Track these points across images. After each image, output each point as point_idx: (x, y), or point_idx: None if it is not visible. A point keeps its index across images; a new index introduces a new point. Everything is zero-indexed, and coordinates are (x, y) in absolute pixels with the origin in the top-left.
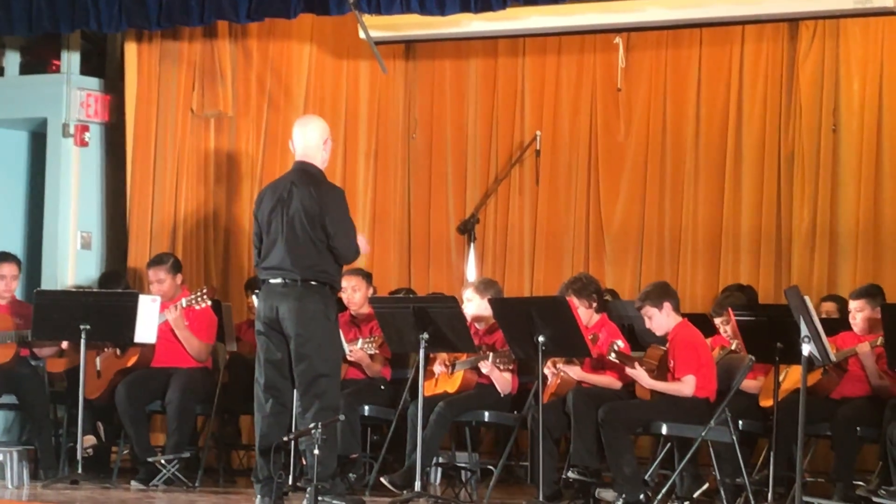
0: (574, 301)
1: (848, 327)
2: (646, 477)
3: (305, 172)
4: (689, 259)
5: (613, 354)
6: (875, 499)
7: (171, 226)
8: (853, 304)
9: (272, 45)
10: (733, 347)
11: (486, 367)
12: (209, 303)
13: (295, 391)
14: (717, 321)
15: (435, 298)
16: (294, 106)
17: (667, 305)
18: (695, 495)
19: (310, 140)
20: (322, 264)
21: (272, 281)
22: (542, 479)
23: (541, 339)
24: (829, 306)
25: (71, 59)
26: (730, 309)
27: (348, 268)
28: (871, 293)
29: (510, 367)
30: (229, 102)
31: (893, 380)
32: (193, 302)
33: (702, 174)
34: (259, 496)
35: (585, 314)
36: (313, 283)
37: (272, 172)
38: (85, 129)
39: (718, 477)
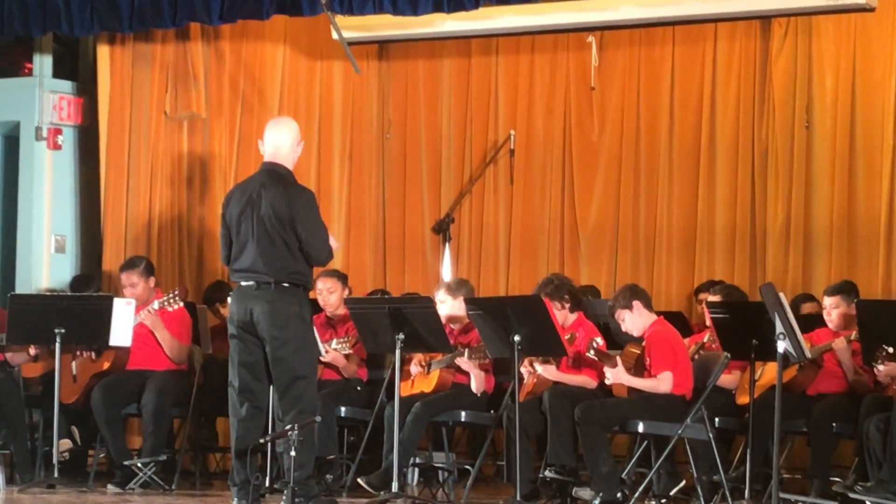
0: (548, 301)
1: (821, 324)
2: (623, 475)
3: (274, 174)
4: (663, 257)
5: (592, 351)
6: (852, 495)
7: (145, 228)
8: (828, 301)
9: (245, 46)
10: (705, 340)
11: (464, 362)
12: (182, 304)
13: (272, 393)
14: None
15: (410, 299)
16: (268, 107)
17: (637, 304)
18: (672, 493)
19: (282, 142)
20: (295, 266)
21: (244, 283)
22: (520, 479)
23: (516, 338)
24: (812, 307)
25: (43, 63)
26: (705, 306)
27: (323, 269)
28: (846, 290)
29: (485, 363)
30: (202, 104)
31: (869, 375)
32: (166, 304)
33: (676, 172)
34: (236, 499)
35: (560, 315)
36: (286, 284)
37: (246, 174)
38: (58, 132)
39: (695, 474)
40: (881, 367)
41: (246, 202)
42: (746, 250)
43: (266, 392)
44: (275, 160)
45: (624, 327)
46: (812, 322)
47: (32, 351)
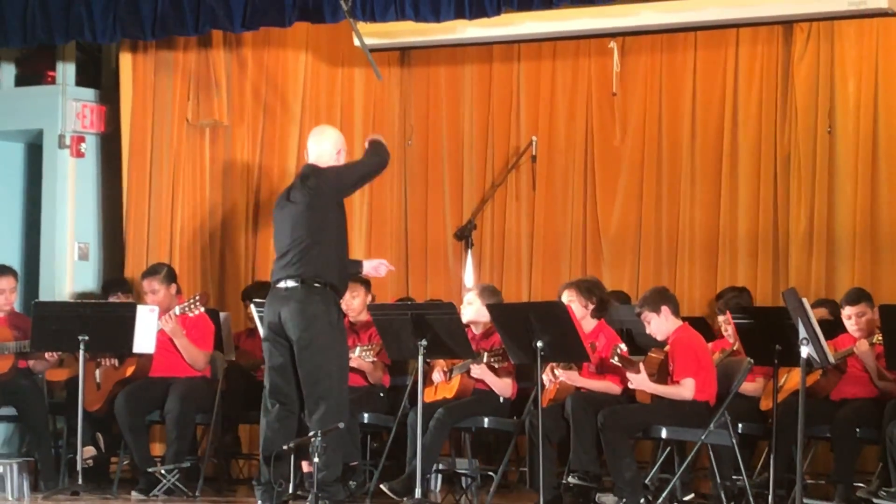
0: (573, 295)
1: (844, 329)
2: (646, 481)
3: (312, 168)
4: (686, 262)
5: (616, 357)
6: (875, 500)
7: (168, 236)
8: (853, 309)
9: (267, 53)
10: (735, 348)
11: (476, 370)
12: (202, 309)
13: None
14: (720, 319)
15: (433, 305)
16: (290, 114)
17: (665, 309)
18: (686, 499)
19: (323, 149)
20: (323, 265)
21: (277, 286)
22: (543, 485)
23: (539, 344)
24: (822, 312)
25: (66, 71)
26: (728, 312)
27: None
28: (867, 296)
29: (505, 365)
30: (224, 111)
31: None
32: (187, 309)
33: (698, 177)
34: (260, 501)
35: (580, 312)
36: (315, 284)
37: (269, 181)
38: (81, 139)
39: (719, 480)
40: None
41: (282, 204)
42: (769, 255)
43: (296, 394)
44: (316, 164)
45: (648, 330)
46: (831, 327)
47: (49, 356)
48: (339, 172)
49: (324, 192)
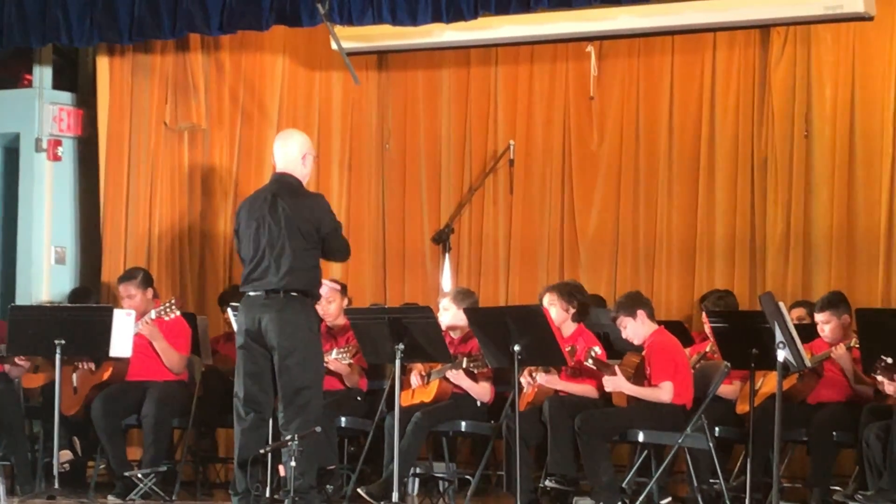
0: (554, 298)
1: None
2: (623, 485)
3: (285, 183)
4: (663, 266)
5: (591, 360)
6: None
7: (145, 240)
8: (818, 317)
9: (244, 57)
10: (707, 350)
11: (452, 375)
12: (178, 313)
13: (278, 403)
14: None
15: (410, 309)
16: (268, 118)
17: (640, 313)
18: (662, 502)
19: (289, 154)
20: (304, 275)
21: (253, 293)
22: (520, 488)
23: (516, 347)
24: (800, 312)
25: (43, 74)
26: (704, 315)
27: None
28: (833, 303)
29: (484, 371)
30: (202, 115)
31: (873, 383)
32: (163, 313)
33: (675, 181)
34: None
35: (560, 316)
36: (294, 293)
37: (247, 185)
38: (58, 143)
39: (696, 484)
40: (880, 378)
41: (257, 212)
42: (746, 259)
43: (271, 402)
44: (285, 171)
45: (625, 334)
46: (808, 331)
47: (22, 362)
48: (333, 228)
49: (312, 225)
